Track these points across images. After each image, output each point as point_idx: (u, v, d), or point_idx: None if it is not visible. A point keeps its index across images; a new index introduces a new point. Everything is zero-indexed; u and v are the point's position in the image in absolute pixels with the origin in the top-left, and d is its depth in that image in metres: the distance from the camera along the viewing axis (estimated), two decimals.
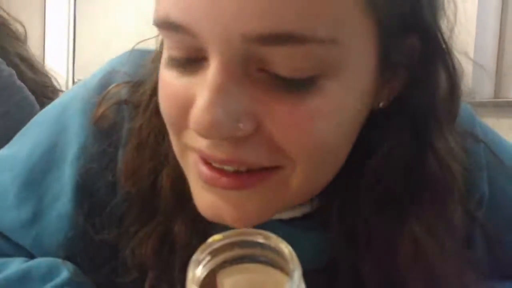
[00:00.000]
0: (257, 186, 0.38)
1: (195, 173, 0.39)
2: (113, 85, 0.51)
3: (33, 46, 1.11)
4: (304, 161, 0.38)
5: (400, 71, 0.41)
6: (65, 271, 0.49)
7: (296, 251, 0.33)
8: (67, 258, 0.50)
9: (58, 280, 0.47)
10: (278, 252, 0.32)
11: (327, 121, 0.37)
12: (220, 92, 0.35)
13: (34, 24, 3.60)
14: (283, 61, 0.35)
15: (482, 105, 2.69)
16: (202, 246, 0.34)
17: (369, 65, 0.38)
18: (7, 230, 0.51)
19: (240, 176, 0.38)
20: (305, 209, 0.47)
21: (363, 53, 0.37)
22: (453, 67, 0.42)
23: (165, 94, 0.40)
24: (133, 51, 0.54)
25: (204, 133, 0.35)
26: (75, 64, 3.72)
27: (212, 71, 0.35)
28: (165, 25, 0.37)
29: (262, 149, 0.37)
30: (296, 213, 0.47)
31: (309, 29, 0.34)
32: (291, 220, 0.47)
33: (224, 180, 0.37)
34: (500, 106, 2.55)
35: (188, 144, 0.39)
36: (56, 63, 3.75)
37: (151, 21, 0.43)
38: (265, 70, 0.36)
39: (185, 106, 0.38)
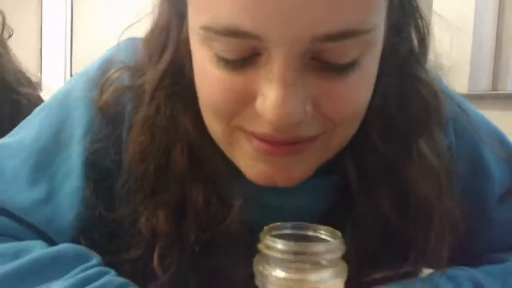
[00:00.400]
0: (304, 151, 0.43)
1: (246, 148, 0.44)
2: (113, 71, 0.53)
3: (29, 45, 1.11)
4: (345, 124, 0.44)
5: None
6: (93, 257, 0.49)
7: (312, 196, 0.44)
8: (78, 235, 0.52)
9: (89, 264, 0.48)
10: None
11: (365, 89, 0.43)
12: (289, 86, 0.39)
13: (31, 22, 3.60)
14: (336, 51, 0.39)
15: (480, 97, 2.70)
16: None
17: (383, 31, 0.43)
18: (20, 210, 0.52)
19: (291, 145, 0.43)
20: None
21: (383, 25, 0.43)
22: (422, 24, 0.50)
23: (217, 88, 0.42)
24: (126, 40, 0.56)
25: (279, 124, 0.39)
26: (72, 64, 3.72)
27: (279, 68, 0.38)
28: (228, 33, 0.39)
29: (316, 124, 0.42)
30: None
31: (368, 24, 0.39)
32: None
33: (279, 150, 0.43)
34: (498, 99, 2.56)
35: (243, 128, 0.43)
36: (53, 62, 3.74)
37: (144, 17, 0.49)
38: (317, 58, 0.40)
39: (244, 100, 0.41)
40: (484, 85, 2.68)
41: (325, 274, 0.36)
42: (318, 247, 0.37)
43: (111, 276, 0.47)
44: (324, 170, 0.48)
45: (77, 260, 0.48)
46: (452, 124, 0.56)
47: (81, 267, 0.47)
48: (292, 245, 0.37)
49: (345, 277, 0.38)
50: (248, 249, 0.39)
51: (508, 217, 0.58)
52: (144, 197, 0.50)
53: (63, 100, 0.55)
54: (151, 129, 0.50)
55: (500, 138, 0.60)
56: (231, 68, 0.41)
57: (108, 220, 0.51)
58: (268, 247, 0.37)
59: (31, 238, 0.52)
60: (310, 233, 0.40)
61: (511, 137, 0.64)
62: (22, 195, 0.52)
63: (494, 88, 2.71)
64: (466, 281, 0.49)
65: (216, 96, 0.42)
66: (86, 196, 0.51)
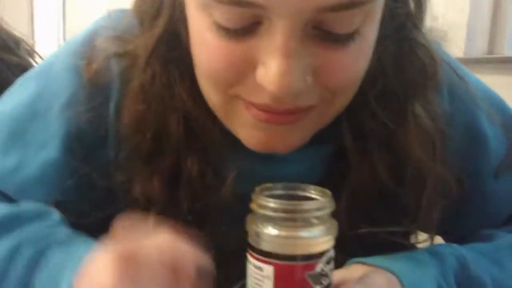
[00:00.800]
0: (303, 119, 0.44)
1: (245, 116, 0.44)
2: (100, 40, 0.52)
3: (22, 27, 1.09)
4: (344, 92, 0.44)
5: None
6: (54, 213, 0.50)
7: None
8: (56, 205, 0.52)
9: (51, 220, 0.49)
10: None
11: (364, 57, 0.43)
12: (291, 56, 0.38)
13: (22, 6, 3.52)
14: (339, 21, 0.39)
15: (477, 61, 2.69)
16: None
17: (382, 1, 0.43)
18: None
19: (290, 114, 0.43)
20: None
21: None
22: None
23: (216, 57, 0.41)
24: (116, 11, 0.55)
25: (281, 94, 0.39)
26: (65, 30, 3.66)
27: (281, 38, 0.38)
28: (232, 1, 0.38)
29: (315, 93, 0.42)
30: None
31: None
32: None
33: (278, 118, 0.43)
34: (494, 63, 2.55)
35: (241, 97, 0.43)
36: (45, 28, 3.69)
37: None
38: (318, 27, 0.39)
39: (244, 69, 0.41)
40: (481, 49, 2.67)
41: (316, 231, 0.38)
42: (308, 205, 0.38)
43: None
44: (319, 139, 0.49)
45: (36, 219, 0.48)
46: (448, 91, 0.55)
47: (45, 224, 0.48)
48: (283, 204, 0.38)
49: (335, 234, 0.39)
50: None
51: (503, 190, 0.58)
52: (140, 164, 0.50)
53: (45, 70, 0.55)
54: (147, 97, 0.49)
55: (499, 106, 0.59)
56: (231, 36, 0.40)
57: (100, 188, 0.51)
58: (261, 206, 0.38)
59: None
60: (301, 192, 0.41)
61: (508, 101, 0.62)
62: None
63: (491, 52, 2.70)
64: (451, 257, 0.49)
65: (215, 65, 0.42)
66: (67, 167, 0.51)
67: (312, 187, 0.41)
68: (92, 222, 0.50)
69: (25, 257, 0.46)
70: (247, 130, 0.45)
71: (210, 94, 0.45)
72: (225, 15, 0.39)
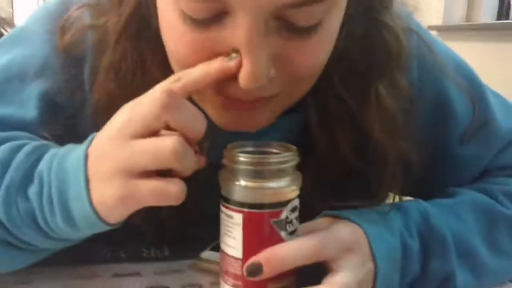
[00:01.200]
0: (269, 105, 0.46)
1: (214, 99, 0.46)
2: (73, 8, 0.53)
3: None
4: (308, 78, 0.46)
5: None
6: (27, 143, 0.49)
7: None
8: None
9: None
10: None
11: (327, 46, 0.45)
12: (255, 51, 0.40)
13: None
14: (301, 15, 0.40)
15: (454, 29, 2.72)
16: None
17: None
18: None
19: (256, 101, 0.44)
20: None
21: None
22: None
23: (183, 45, 0.43)
24: None
25: (248, 89, 0.41)
26: None
27: (244, 33, 0.39)
28: None
29: (278, 83, 0.43)
30: None
31: None
32: None
33: (244, 106, 0.45)
34: (473, 30, 2.58)
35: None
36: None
37: None
38: (281, 19, 0.40)
39: (210, 57, 0.42)
40: (459, 16, 2.70)
41: (281, 182, 0.41)
42: (275, 158, 0.42)
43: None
44: (289, 112, 0.50)
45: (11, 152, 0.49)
46: (417, 62, 0.57)
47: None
48: (253, 157, 0.41)
49: (299, 184, 0.43)
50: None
51: (469, 154, 0.60)
52: None
53: (20, 34, 0.56)
54: (117, 75, 0.50)
55: (466, 74, 0.60)
56: (198, 26, 0.41)
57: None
58: (232, 160, 0.42)
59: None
60: (268, 148, 0.45)
61: (484, 67, 0.64)
62: None
63: (469, 19, 2.73)
64: (414, 210, 0.52)
65: (182, 52, 0.43)
66: (44, 128, 0.52)
67: (278, 143, 0.45)
68: None
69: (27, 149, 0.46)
70: (216, 111, 0.47)
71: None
72: (191, 5, 0.40)
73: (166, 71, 0.47)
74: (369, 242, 0.46)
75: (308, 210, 0.45)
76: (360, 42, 0.49)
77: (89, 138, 0.44)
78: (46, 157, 0.45)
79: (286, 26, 0.41)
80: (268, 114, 0.47)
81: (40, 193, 0.43)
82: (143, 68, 0.50)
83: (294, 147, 0.44)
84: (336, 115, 0.52)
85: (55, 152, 0.46)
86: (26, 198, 0.44)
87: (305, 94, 0.48)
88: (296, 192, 0.43)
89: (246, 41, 0.39)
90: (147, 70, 0.50)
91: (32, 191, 0.44)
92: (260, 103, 0.45)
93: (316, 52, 0.43)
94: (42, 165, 0.45)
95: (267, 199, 0.41)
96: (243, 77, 0.40)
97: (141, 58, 0.50)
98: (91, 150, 0.43)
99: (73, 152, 0.44)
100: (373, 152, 0.52)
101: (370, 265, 0.46)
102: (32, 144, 0.47)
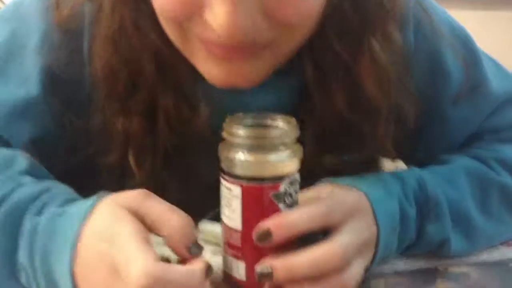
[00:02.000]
0: (259, 56, 0.45)
1: (202, 52, 0.45)
2: None
3: None
4: (299, 28, 0.45)
5: None
6: (22, 161, 0.50)
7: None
8: (34, 144, 0.54)
9: (16, 168, 0.50)
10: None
11: None
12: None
13: None
14: None
15: None
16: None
17: None
18: None
19: (245, 49, 0.43)
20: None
21: None
22: None
23: None
24: None
25: (230, 34, 0.40)
26: None
27: None
28: None
29: (268, 30, 0.43)
30: None
31: None
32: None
33: (232, 54, 0.44)
34: None
35: (195, 33, 0.44)
36: None
37: None
38: None
39: (191, 8, 0.42)
40: None
41: (283, 155, 0.42)
42: (275, 131, 0.42)
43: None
44: (284, 71, 0.50)
45: (2, 168, 0.49)
46: (413, 26, 0.57)
47: (8, 173, 0.49)
48: (252, 131, 0.42)
49: (300, 157, 0.43)
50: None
51: (460, 115, 0.61)
52: (116, 105, 0.52)
53: (16, 9, 0.55)
54: (114, 41, 0.50)
55: (464, 40, 0.61)
56: None
57: (77, 129, 0.53)
58: (231, 134, 0.42)
59: None
60: (268, 121, 0.45)
61: (480, 35, 0.65)
62: None
63: None
64: (410, 178, 0.53)
65: (163, 3, 0.43)
66: (46, 104, 0.53)
67: (278, 116, 0.45)
68: (62, 170, 0.52)
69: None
70: (206, 65, 0.47)
71: (167, 31, 0.47)
72: None
73: (161, 31, 0.47)
74: (372, 206, 0.48)
75: (308, 169, 0.45)
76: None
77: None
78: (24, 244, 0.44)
79: None
80: (260, 66, 0.46)
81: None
82: (140, 34, 0.50)
83: (294, 120, 0.44)
84: (330, 69, 0.52)
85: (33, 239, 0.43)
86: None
87: (298, 46, 0.48)
88: (295, 166, 0.43)
89: None
90: (144, 35, 0.49)
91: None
92: (248, 52, 0.44)
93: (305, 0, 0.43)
94: (22, 258, 0.43)
95: (266, 173, 0.42)
96: (224, 23, 0.39)
97: (137, 25, 0.49)
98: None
99: (56, 255, 0.42)
100: (367, 106, 0.53)
101: (373, 229, 0.47)
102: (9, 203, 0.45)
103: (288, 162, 0.42)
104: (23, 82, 0.53)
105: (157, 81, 0.51)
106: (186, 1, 0.42)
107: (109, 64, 0.50)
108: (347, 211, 0.45)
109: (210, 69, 0.46)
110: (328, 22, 0.48)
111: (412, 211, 0.51)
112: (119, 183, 0.52)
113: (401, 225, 0.50)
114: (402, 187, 0.52)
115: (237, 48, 0.43)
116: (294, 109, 0.52)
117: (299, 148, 0.44)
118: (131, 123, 0.52)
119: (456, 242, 0.53)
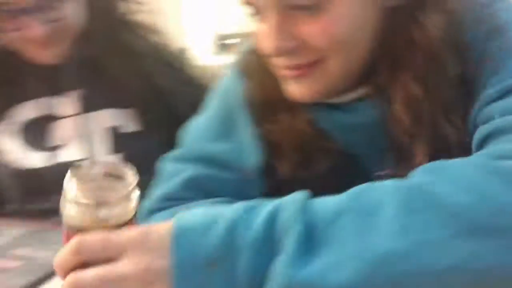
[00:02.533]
0: (312, 75, 0.60)
1: (282, 75, 0.62)
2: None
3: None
4: (333, 52, 0.58)
5: None
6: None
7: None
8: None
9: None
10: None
11: (341, 24, 0.56)
12: (274, 29, 0.57)
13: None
14: None
15: None
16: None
17: None
18: (216, 154, 0.71)
19: (298, 69, 0.60)
20: (361, 91, 0.65)
21: None
22: None
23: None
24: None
25: (273, 52, 0.59)
26: None
27: (270, 19, 0.57)
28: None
29: (305, 54, 0.58)
30: (354, 95, 0.65)
31: None
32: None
33: (295, 72, 0.60)
34: None
35: (275, 63, 0.62)
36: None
37: None
38: (288, 4, 0.56)
39: None
40: None
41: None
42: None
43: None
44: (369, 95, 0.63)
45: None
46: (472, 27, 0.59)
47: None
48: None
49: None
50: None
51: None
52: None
53: (224, 97, 0.75)
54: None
55: None
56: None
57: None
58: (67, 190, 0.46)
59: (222, 184, 0.70)
60: (112, 171, 0.48)
61: None
62: (217, 145, 0.72)
63: None
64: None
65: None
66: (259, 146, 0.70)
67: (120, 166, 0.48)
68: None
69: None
70: (286, 84, 0.63)
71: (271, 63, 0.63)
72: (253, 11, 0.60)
73: None
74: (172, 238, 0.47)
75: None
76: (405, 33, 0.58)
77: None
78: None
79: (294, 8, 0.56)
80: (316, 85, 0.60)
81: None
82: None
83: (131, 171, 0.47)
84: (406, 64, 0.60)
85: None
86: None
87: (344, 68, 0.60)
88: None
89: (272, 23, 0.57)
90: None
91: None
92: (300, 72, 0.59)
93: (328, 27, 0.56)
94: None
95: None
96: (267, 43, 0.59)
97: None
98: None
99: None
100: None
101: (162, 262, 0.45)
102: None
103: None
104: (244, 129, 0.72)
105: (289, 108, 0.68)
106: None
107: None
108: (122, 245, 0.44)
109: (287, 87, 0.63)
110: (378, 55, 0.60)
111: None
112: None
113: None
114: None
115: (293, 67, 0.59)
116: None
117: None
118: (285, 158, 0.69)
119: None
